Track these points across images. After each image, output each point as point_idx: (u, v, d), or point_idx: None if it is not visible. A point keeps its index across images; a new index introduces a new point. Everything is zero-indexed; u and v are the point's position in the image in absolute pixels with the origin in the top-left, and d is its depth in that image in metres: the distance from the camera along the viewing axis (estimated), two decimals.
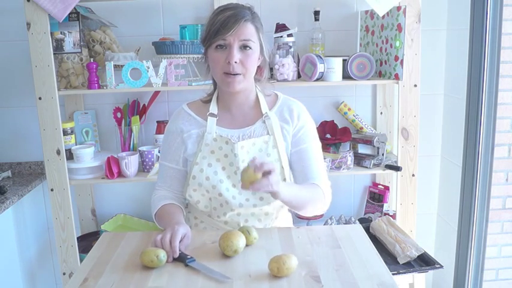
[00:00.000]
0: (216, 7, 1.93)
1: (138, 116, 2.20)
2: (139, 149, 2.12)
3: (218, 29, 1.35)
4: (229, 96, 1.47)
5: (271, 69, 2.04)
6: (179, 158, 1.50)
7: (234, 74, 1.37)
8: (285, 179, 1.45)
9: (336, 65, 2.05)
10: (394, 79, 2.07)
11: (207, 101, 1.52)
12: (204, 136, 1.45)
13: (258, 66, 1.45)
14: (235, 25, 1.34)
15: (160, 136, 2.17)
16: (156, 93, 2.25)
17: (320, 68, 2.02)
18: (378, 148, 2.17)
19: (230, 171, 1.44)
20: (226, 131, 1.47)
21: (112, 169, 2.05)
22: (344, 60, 2.08)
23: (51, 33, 1.93)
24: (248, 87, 1.46)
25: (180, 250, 1.23)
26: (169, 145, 1.51)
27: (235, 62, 1.36)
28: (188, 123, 1.49)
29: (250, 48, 1.37)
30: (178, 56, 2.02)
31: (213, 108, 1.49)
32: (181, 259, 1.20)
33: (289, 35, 2.09)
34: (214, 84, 1.52)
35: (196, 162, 1.45)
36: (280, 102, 1.51)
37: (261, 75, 1.50)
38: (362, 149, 2.24)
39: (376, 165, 2.15)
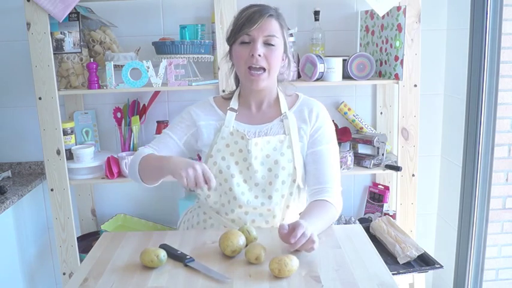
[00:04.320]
0: (216, 7, 1.95)
1: (138, 116, 2.20)
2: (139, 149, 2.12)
3: (243, 23, 1.38)
4: (251, 93, 1.49)
5: None
6: (184, 135, 1.51)
7: (258, 70, 1.39)
8: (294, 181, 1.44)
9: (336, 65, 2.05)
10: (394, 79, 2.07)
11: (228, 98, 1.54)
12: (221, 129, 1.47)
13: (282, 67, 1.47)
14: (260, 19, 1.37)
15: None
16: (156, 93, 2.25)
17: (320, 68, 2.02)
18: (378, 148, 2.16)
19: (243, 167, 1.45)
20: (243, 126, 1.48)
21: (112, 169, 2.05)
22: (344, 60, 2.08)
23: (51, 33, 1.94)
24: (270, 85, 1.47)
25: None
26: (180, 121, 1.53)
27: (259, 55, 1.38)
28: (209, 112, 1.52)
29: (274, 44, 1.39)
30: (178, 56, 2.02)
31: (234, 103, 1.51)
32: (180, 259, 1.20)
33: (289, 35, 2.09)
34: (237, 82, 1.54)
35: (211, 154, 1.46)
36: (299, 102, 1.52)
37: (286, 76, 1.51)
38: (362, 149, 2.24)
39: (376, 165, 2.15)
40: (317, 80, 2.06)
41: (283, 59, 1.46)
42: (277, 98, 1.51)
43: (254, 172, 1.44)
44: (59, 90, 1.98)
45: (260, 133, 1.47)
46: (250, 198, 1.44)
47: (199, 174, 1.25)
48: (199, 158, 2.05)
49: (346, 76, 2.09)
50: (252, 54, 1.38)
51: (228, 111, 1.49)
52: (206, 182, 1.26)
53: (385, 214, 2.25)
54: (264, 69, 1.40)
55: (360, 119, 2.32)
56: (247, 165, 1.44)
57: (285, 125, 1.47)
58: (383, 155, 2.16)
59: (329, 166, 1.46)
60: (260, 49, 1.38)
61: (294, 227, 1.19)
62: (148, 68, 1.98)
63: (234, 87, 1.98)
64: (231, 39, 1.43)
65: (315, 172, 1.45)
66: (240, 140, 1.45)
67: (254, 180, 1.44)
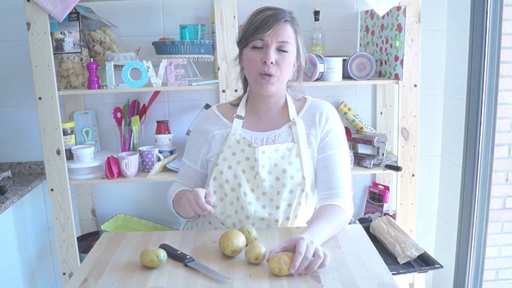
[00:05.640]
0: (216, 7, 1.95)
1: (138, 116, 2.20)
2: (139, 149, 2.12)
3: (257, 27, 1.34)
4: (259, 99, 1.46)
5: None
6: (198, 158, 1.50)
7: (269, 76, 1.36)
8: (303, 190, 1.42)
9: (336, 65, 2.05)
10: (394, 79, 2.07)
11: (236, 104, 1.51)
12: (228, 137, 1.44)
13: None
14: (274, 24, 1.33)
15: (160, 136, 2.17)
16: (156, 93, 2.25)
17: (320, 68, 2.02)
18: (378, 148, 2.16)
19: (250, 175, 1.42)
20: (250, 133, 1.45)
21: (112, 169, 2.05)
22: (344, 60, 2.08)
23: (51, 33, 1.93)
24: (280, 91, 1.45)
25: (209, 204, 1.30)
26: (192, 144, 1.52)
27: (271, 63, 1.35)
28: (214, 123, 1.49)
29: (286, 51, 1.36)
30: (178, 56, 2.02)
31: (241, 110, 1.48)
32: (180, 259, 1.20)
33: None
34: (245, 87, 1.52)
35: (217, 163, 1.44)
36: (308, 105, 1.48)
37: (297, 78, 1.48)
38: (362, 149, 2.23)
39: (376, 165, 2.15)
40: (317, 80, 2.06)
41: (294, 65, 1.43)
42: (286, 103, 1.47)
43: (261, 181, 1.41)
44: (59, 90, 1.98)
45: (268, 140, 1.44)
46: (257, 208, 1.42)
47: (192, 205, 1.31)
48: None
49: (346, 76, 2.09)
50: (265, 61, 1.35)
51: (235, 118, 1.46)
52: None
53: (385, 214, 2.25)
54: (275, 75, 1.37)
55: (360, 119, 2.32)
56: (255, 173, 1.41)
57: (294, 132, 1.43)
58: (383, 155, 2.16)
59: (340, 171, 1.43)
60: (273, 56, 1.34)
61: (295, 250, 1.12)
62: (148, 68, 1.98)
63: (235, 88, 2.00)
64: (243, 42, 1.39)
65: (326, 177, 1.42)
66: (246, 147, 1.42)
67: (261, 189, 1.42)
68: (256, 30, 1.34)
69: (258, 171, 1.41)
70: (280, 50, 1.36)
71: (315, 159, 1.45)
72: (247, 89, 1.51)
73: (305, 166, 1.42)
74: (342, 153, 1.45)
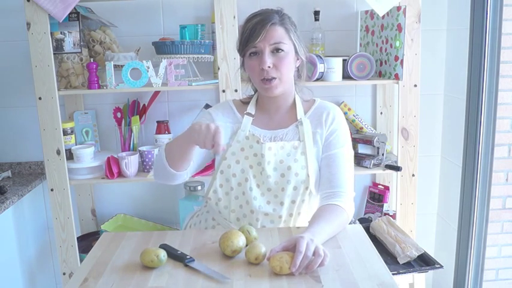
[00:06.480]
0: (216, 7, 1.95)
1: (138, 116, 2.20)
2: (139, 149, 2.12)
3: (247, 37, 1.38)
4: (268, 100, 1.49)
5: None
6: None
7: (270, 79, 1.39)
8: (307, 188, 1.43)
9: (336, 65, 2.05)
10: (394, 79, 2.07)
11: (246, 102, 1.54)
12: (237, 133, 1.47)
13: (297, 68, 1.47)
14: (262, 30, 1.37)
15: (160, 136, 2.18)
16: (156, 93, 2.25)
17: (320, 68, 2.02)
18: (378, 148, 2.16)
19: (256, 171, 1.44)
20: (259, 130, 1.48)
21: (112, 169, 2.05)
22: (344, 60, 2.08)
23: (51, 33, 1.94)
24: (287, 90, 1.47)
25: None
26: (200, 119, 1.53)
27: (269, 67, 1.38)
28: (228, 114, 1.52)
29: (282, 50, 1.39)
30: (178, 56, 2.02)
31: (251, 108, 1.51)
32: (180, 259, 1.20)
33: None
34: (255, 88, 1.54)
35: (225, 157, 1.46)
36: (315, 106, 1.51)
37: (299, 77, 1.51)
38: (362, 149, 2.24)
39: (376, 165, 2.15)
40: (317, 80, 2.06)
41: (298, 59, 1.45)
42: (294, 103, 1.50)
43: (267, 177, 1.43)
44: (59, 90, 1.98)
45: (276, 138, 1.47)
46: (262, 203, 1.44)
47: (209, 135, 1.25)
48: None
49: (346, 76, 2.09)
50: (262, 68, 1.38)
51: (245, 115, 1.50)
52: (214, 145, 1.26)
53: (385, 214, 2.25)
54: (276, 77, 1.40)
55: (360, 119, 2.32)
56: (261, 169, 1.44)
57: (300, 131, 1.46)
58: (383, 155, 2.16)
59: (343, 170, 1.44)
60: (268, 60, 1.37)
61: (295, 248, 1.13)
62: (148, 68, 1.98)
63: (236, 88, 2.00)
64: (241, 52, 1.44)
65: (328, 176, 1.44)
66: (255, 144, 1.45)
67: (267, 185, 1.44)
68: (247, 40, 1.39)
69: (264, 167, 1.43)
70: (276, 51, 1.39)
71: (319, 158, 1.47)
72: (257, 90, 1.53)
73: (310, 164, 1.44)
74: (346, 153, 1.47)
